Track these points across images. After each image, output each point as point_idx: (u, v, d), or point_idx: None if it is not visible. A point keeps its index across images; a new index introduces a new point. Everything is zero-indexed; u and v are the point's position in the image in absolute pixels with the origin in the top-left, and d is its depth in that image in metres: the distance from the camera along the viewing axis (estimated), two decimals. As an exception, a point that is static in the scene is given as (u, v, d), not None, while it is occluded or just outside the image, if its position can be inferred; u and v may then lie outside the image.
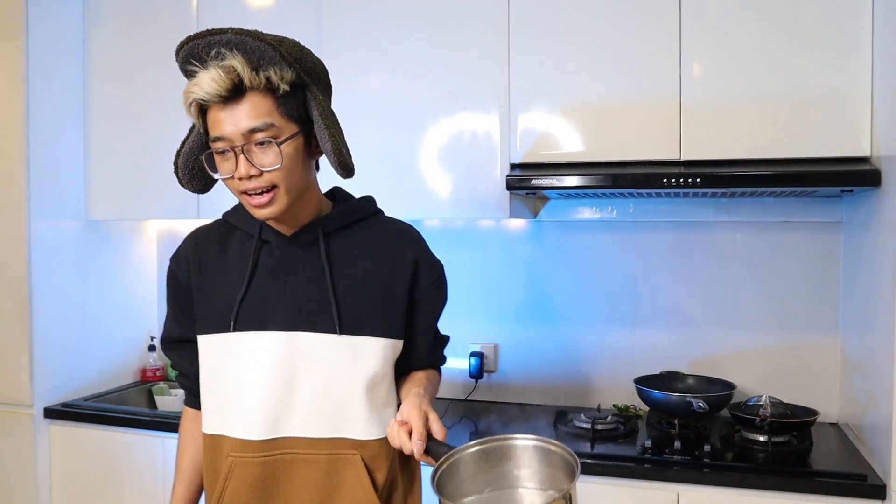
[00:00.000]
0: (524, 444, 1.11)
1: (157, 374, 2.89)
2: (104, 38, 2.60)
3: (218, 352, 1.33)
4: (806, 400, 2.23)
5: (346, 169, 1.25)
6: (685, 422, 2.15)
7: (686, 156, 2.04)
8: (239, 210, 1.36)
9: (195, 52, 1.20)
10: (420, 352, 1.42)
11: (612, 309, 2.46)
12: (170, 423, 2.32)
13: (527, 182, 2.06)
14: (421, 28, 2.24)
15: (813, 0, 1.95)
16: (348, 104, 1.92)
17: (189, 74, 1.23)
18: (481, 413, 2.45)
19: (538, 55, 2.15)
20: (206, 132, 1.24)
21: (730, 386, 2.20)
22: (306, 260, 1.32)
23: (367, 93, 2.30)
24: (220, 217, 1.41)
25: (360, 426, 1.31)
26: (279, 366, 1.29)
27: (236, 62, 1.17)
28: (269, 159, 1.20)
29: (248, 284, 1.31)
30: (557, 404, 2.48)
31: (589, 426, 2.17)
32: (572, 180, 2.04)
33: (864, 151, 1.93)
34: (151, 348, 2.89)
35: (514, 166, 2.17)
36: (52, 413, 2.48)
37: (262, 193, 1.22)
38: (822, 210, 2.28)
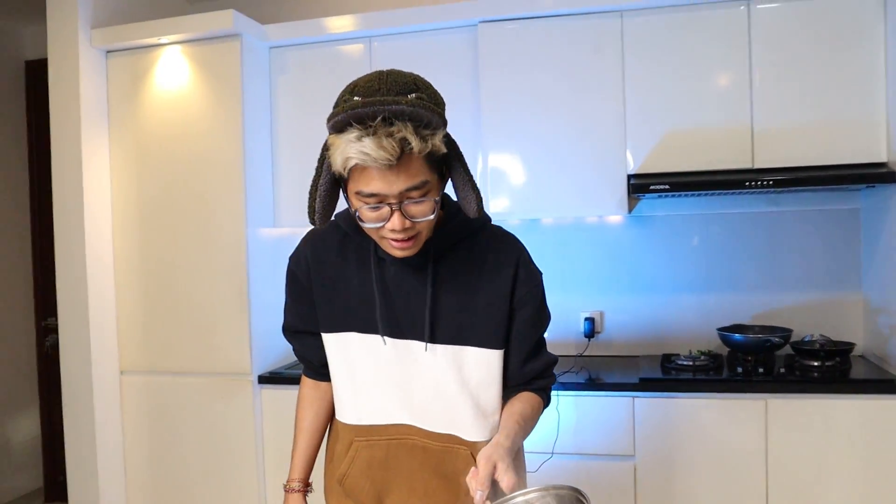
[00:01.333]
0: (540, 496, 1.16)
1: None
2: (286, 83, 3.31)
3: (345, 349, 1.49)
4: (840, 338, 3.08)
5: (481, 213, 1.36)
6: (758, 357, 2.97)
7: (757, 165, 2.87)
8: (352, 219, 1.42)
9: (361, 116, 1.20)
10: (514, 361, 1.48)
11: (689, 280, 3.27)
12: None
13: (646, 187, 2.86)
14: (555, 73, 3.01)
15: (834, 43, 2.80)
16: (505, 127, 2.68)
17: (343, 129, 1.22)
18: (596, 365, 3.22)
19: (647, 91, 2.94)
20: (343, 179, 1.30)
21: (788, 330, 3.03)
22: (416, 277, 1.44)
23: (517, 120, 3.06)
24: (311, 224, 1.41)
25: (468, 428, 1.45)
26: (398, 367, 1.45)
27: (408, 133, 1.20)
28: (422, 211, 1.29)
29: (379, 296, 1.44)
30: (656, 354, 3.27)
31: (690, 363, 2.97)
32: (675, 182, 2.85)
33: (882, 158, 2.78)
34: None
35: (630, 176, 2.97)
36: (263, 379, 3.17)
37: (407, 240, 1.32)
38: (846, 201, 3.13)
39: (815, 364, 2.87)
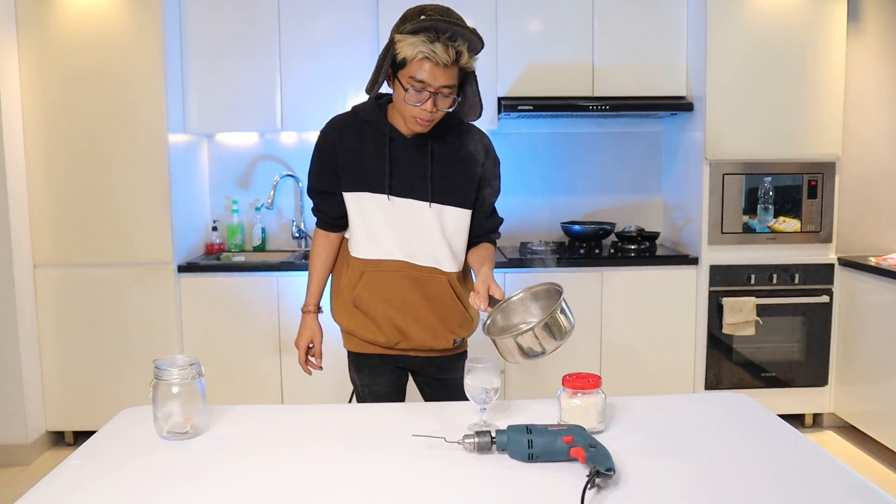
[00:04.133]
0: (524, 295, 1.77)
1: (220, 246, 3.98)
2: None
3: (361, 204, 1.99)
4: (650, 230, 4.06)
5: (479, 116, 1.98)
6: (592, 243, 3.86)
7: (596, 94, 3.70)
8: (369, 109, 1.97)
9: (438, 26, 1.74)
10: (479, 218, 2.06)
11: (538, 185, 4.09)
12: (280, 265, 3.54)
13: (515, 106, 3.59)
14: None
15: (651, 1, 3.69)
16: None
17: (418, 32, 1.74)
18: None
19: (514, 30, 3.64)
20: (398, 65, 1.80)
21: (612, 223, 3.94)
22: (417, 153, 1.96)
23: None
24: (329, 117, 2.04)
25: (446, 263, 2.03)
26: (401, 216, 1.98)
27: (464, 49, 1.78)
28: (446, 104, 1.85)
29: (389, 166, 1.95)
30: (514, 244, 4.06)
31: (543, 248, 3.79)
32: (536, 105, 3.60)
33: (682, 93, 3.73)
34: (214, 228, 3.97)
35: (500, 98, 3.67)
36: (182, 268, 3.54)
37: (428, 121, 1.87)
38: (653, 125, 4.09)
39: (633, 247, 3.81)
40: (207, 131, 3.77)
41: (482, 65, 1.98)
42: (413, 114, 1.85)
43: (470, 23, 1.85)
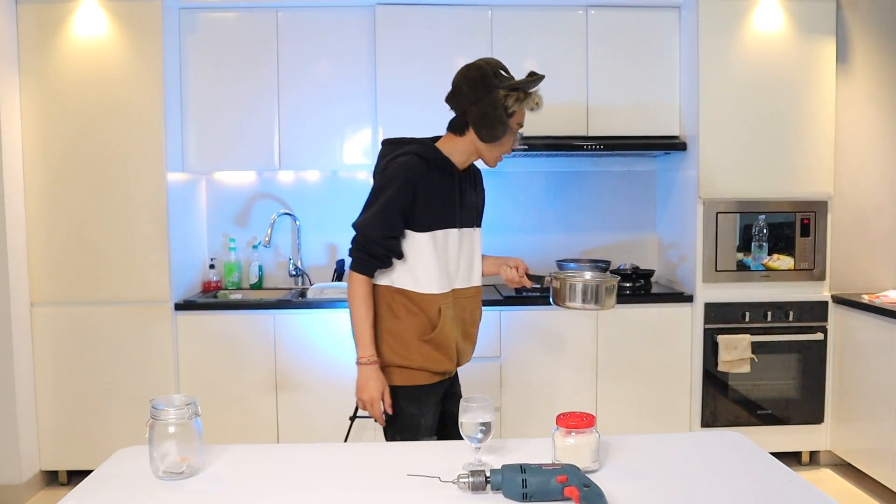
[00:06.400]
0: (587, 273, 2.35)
1: (217, 284, 4.00)
2: (196, 42, 3.68)
3: (441, 240, 2.14)
4: (645, 267, 4.09)
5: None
6: (587, 281, 3.88)
7: (590, 133, 3.76)
8: (432, 150, 2.15)
9: (531, 81, 2.11)
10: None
11: (533, 223, 4.12)
12: (278, 304, 3.56)
13: (510, 146, 3.63)
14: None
15: (646, 45, 3.76)
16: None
17: (517, 88, 2.09)
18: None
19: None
20: (509, 116, 2.09)
21: (607, 261, 3.97)
22: (463, 185, 2.22)
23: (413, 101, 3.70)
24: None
25: (478, 278, 2.30)
26: (466, 244, 2.22)
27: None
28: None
29: (459, 201, 2.19)
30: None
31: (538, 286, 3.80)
32: (532, 144, 3.66)
33: (675, 132, 3.79)
34: (211, 266, 3.99)
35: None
36: (180, 306, 3.56)
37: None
38: (647, 164, 4.14)
39: (629, 285, 3.83)
40: (206, 170, 3.81)
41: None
42: (503, 153, 2.19)
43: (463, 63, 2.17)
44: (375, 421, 2.17)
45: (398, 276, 2.14)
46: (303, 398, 3.57)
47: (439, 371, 2.19)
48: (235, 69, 3.70)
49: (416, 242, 2.12)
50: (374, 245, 2.08)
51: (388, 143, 2.23)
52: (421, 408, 2.19)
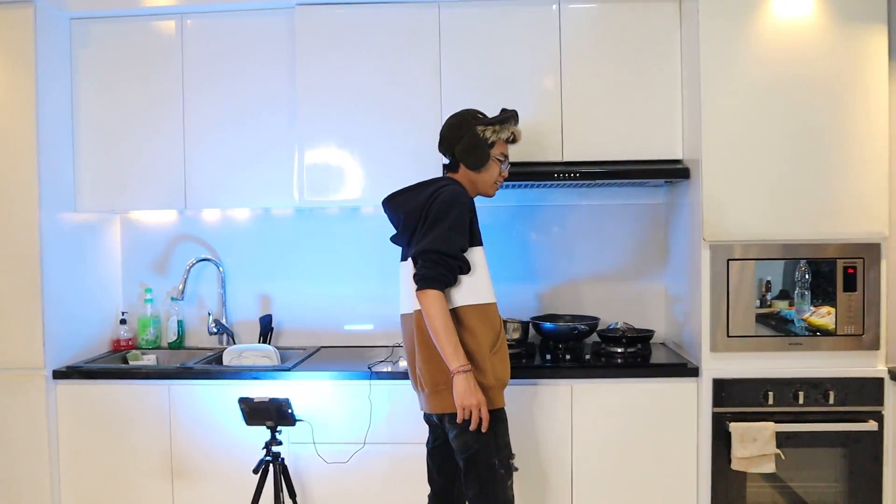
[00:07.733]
0: None
1: (129, 343, 3.38)
2: (89, 57, 3.10)
3: (482, 256, 2.34)
4: (644, 326, 3.24)
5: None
6: (568, 344, 3.08)
7: (566, 158, 2.97)
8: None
9: (509, 116, 2.40)
10: None
11: (507, 270, 3.34)
12: (176, 373, 2.90)
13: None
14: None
15: (638, 50, 2.96)
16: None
17: (507, 122, 2.38)
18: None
19: (461, 87, 2.98)
20: (489, 147, 2.36)
21: (595, 318, 3.15)
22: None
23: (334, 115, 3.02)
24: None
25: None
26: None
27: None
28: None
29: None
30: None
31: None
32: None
33: (678, 156, 2.95)
34: (122, 322, 3.38)
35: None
36: (59, 374, 2.94)
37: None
38: (650, 196, 3.30)
39: (619, 350, 3.00)
40: (101, 209, 3.19)
41: (434, 134, 2.53)
42: (494, 180, 2.44)
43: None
44: (480, 426, 2.20)
45: (462, 296, 2.28)
46: (203, 490, 2.89)
47: (507, 381, 2.35)
48: (136, 89, 3.10)
49: (473, 256, 2.31)
50: (451, 259, 2.23)
51: (408, 190, 2.42)
52: (506, 426, 2.36)
